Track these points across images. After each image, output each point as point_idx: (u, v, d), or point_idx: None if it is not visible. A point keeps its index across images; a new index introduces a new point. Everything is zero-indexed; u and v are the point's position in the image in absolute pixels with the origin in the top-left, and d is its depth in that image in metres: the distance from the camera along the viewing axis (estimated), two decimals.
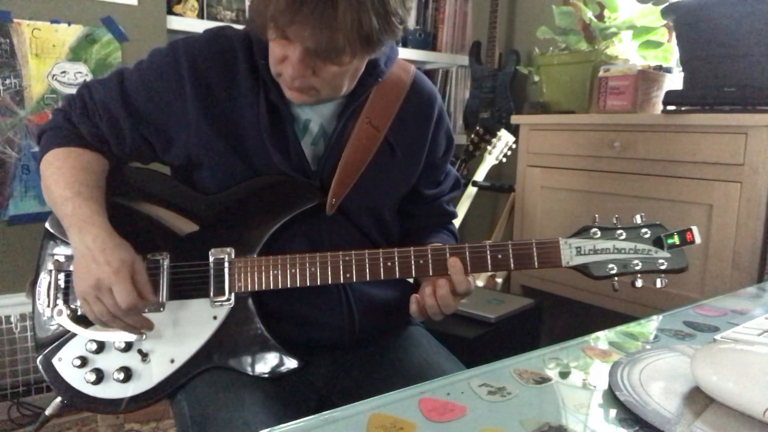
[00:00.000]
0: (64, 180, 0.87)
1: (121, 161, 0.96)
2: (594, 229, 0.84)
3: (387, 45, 0.85)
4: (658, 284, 0.82)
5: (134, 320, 0.84)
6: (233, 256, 0.89)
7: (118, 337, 0.88)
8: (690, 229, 0.81)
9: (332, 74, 0.82)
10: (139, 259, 0.84)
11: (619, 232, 0.84)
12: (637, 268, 0.83)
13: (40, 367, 0.90)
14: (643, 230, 0.83)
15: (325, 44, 0.75)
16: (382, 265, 0.86)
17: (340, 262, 0.86)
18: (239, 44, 0.92)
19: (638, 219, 0.84)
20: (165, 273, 0.89)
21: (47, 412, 1.10)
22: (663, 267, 0.82)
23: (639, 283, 0.83)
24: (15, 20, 1.74)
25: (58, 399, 0.95)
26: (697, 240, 0.81)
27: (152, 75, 0.91)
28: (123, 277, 0.80)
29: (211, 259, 0.89)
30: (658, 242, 0.83)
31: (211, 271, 0.89)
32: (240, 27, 0.95)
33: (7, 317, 1.81)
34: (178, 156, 0.93)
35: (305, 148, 0.93)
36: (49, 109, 1.82)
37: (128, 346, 0.89)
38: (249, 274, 0.88)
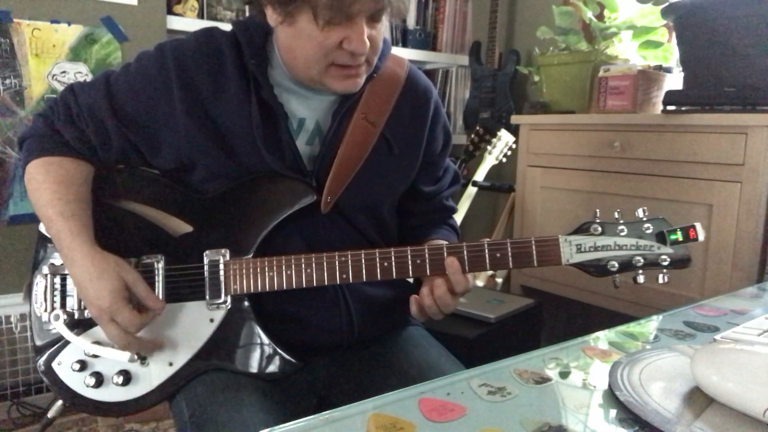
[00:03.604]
0: (46, 196, 0.87)
1: (108, 165, 0.95)
2: (595, 226, 0.82)
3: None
4: (660, 280, 0.81)
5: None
6: (228, 257, 0.88)
7: (111, 353, 0.87)
8: (693, 226, 0.79)
9: (377, 37, 0.86)
10: (132, 272, 0.84)
11: (620, 228, 0.81)
12: (639, 264, 0.81)
13: (40, 371, 0.90)
14: (645, 225, 0.81)
15: (378, 2, 0.80)
16: (378, 265, 0.85)
17: (336, 263, 0.85)
18: (227, 45, 0.91)
19: (640, 213, 0.82)
20: (160, 275, 0.88)
21: (50, 415, 1.10)
22: (666, 263, 0.80)
23: (641, 279, 0.82)
24: (15, 20, 1.74)
25: (60, 401, 0.94)
26: (701, 237, 0.79)
27: (140, 78, 0.91)
28: (119, 307, 0.81)
29: (206, 261, 0.88)
30: (660, 237, 0.81)
31: (207, 273, 0.88)
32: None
33: (7, 317, 1.81)
34: (168, 160, 0.92)
35: (300, 147, 0.93)
36: None
37: None
38: (245, 276, 0.87)
